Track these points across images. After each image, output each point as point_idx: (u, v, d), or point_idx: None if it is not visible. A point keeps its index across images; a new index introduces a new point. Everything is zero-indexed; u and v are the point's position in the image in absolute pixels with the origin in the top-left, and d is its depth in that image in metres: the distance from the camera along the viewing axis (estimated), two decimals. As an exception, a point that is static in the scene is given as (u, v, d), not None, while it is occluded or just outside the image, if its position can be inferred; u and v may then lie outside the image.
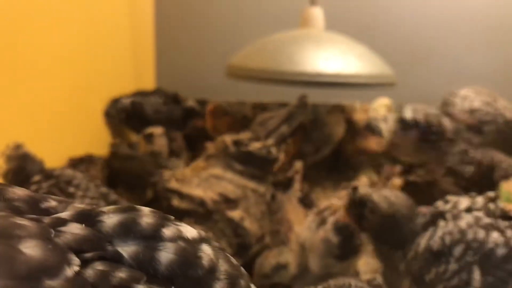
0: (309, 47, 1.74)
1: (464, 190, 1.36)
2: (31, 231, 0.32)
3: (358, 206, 1.00)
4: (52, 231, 0.34)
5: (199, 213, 1.23)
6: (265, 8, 2.94)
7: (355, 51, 1.80)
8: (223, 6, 2.98)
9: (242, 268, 0.45)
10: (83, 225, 0.36)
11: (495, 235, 0.86)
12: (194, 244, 0.41)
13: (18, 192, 0.37)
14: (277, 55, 1.70)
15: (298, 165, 1.38)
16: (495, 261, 0.84)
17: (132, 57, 2.40)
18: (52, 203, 0.38)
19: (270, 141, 1.45)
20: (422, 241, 0.92)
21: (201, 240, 0.42)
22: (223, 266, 0.41)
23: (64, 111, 1.63)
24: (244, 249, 1.22)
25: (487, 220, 0.90)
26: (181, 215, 1.22)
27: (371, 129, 2.20)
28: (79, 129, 1.75)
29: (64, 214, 0.37)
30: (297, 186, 1.44)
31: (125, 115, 1.90)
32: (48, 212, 0.37)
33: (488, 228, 0.88)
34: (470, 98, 2.07)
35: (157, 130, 1.80)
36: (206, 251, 0.41)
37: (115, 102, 1.93)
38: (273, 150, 1.37)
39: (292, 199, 1.42)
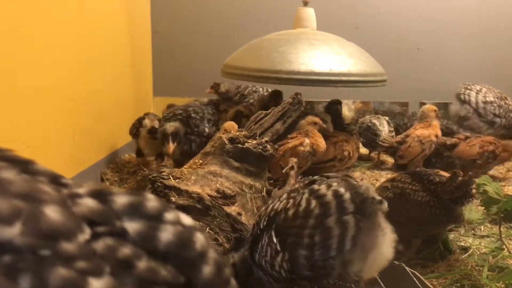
0: (302, 46, 1.77)
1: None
2: (53, 198, 0.37)
3: None
4: (70, 201, 0.39)
5: (197, 209, 1.23)
6: (259, 10, 2.98)
7: (347, 50, 1.84)
8: (218, 7, 3.01)
9: (227, 260, 0.52)
10: (96, 200, 0.41)
11: (284, 203, 0.98)
12: (190, 230, 0.47)
13: (42, 167, 0.42)
14: (272, 55, 1.73)
15: (293, 160, 1.39)
16: (287, 221, 0.95)
17: (131, 60, 2.42)
18: (70, 181, 0.43)
19: (266, 138, 1.46)
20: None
21: (196, 228, 0.48)
22: (212, 254, 0.47)
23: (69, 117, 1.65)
24: (242, 243, 1.24)
25: (290, 193, 1.01)
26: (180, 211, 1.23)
27: (370, 130, 2.22)
28: (81, 134, 1.77)
29: (80, 190, 0.42)
30: (292, 181, 1.45)
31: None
32: (66, 187, 0.42)
33: (283, 200, 1.00)
34: (484, 92, 2.13)
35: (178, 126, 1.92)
36: (200, 237, 0.47)
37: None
38: (269, 147, 1.39)
39: (287, 194, 1.44)
